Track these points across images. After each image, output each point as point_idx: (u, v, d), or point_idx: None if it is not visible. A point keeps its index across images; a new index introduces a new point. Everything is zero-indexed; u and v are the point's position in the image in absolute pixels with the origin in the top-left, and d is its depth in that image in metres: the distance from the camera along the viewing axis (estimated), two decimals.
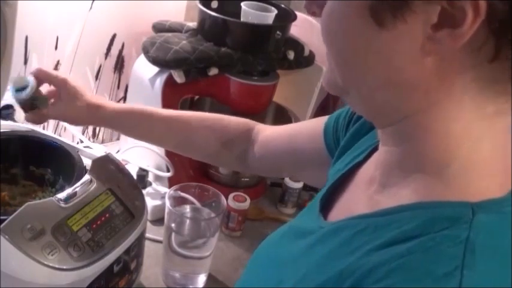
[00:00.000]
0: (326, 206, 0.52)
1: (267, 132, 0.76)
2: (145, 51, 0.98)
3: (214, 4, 1.07)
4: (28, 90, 0.73)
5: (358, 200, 0.48)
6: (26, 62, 1.02)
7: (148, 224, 0.86)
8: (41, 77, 0.75)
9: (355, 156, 0.53)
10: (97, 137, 1.24)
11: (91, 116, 0.77)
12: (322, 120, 0.66)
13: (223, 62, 0.98)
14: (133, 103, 1.10)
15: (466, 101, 0.37)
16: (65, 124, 1.02)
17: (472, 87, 0.37)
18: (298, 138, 0.70)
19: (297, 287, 0.43)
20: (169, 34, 1.02)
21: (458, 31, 0.33)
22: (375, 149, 0.50)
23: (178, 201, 0.89)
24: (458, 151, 0.38)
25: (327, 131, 0.64)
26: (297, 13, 1.05)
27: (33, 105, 0.76)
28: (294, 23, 1.04)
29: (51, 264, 0.62)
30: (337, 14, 0.39)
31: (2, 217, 0.63)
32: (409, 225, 0.37)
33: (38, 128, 0.86)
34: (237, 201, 1.01)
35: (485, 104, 0.37)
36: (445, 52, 0.36)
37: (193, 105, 1.16)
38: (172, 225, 0.86)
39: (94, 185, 0.72)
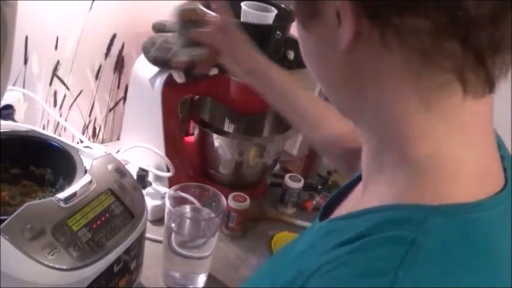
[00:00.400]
0: (329, 213, 0.52)
1: None
2: (146, 51, 0.98)
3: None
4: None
5: (349, 204, 0.49)
6: (26, 62, 1.02)
7: (148, 224, 0.86)
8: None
9: None
10: (97, 137, 1.24)
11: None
12: None
13: None
14: (133, 104, 1.10)
15: (405, 97, 0.37)
16: (65, 124, 1.02)
17: (402, 79, 0.36)
18: None
19: (268, 287, 0.44)
20: (170, 34, 1.02)
21: (341, 29, 0.36)
22: None
23: (178, 201, 0.89)
24: (415, 151, 0.37)
25: None
26: None
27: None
28: (294, 23, 1.04)
29: (51, 264, 0.62)
30: None
31: (2, 217, 0.63)
32: (363, 227, 0.36)
33: (38, 128, 0.86)
34: (237, 201, 1.01)
35: (430, 99, 0.36)
36: (352, 49, 0.36)
37: (193, 105, 1.16)
38: (172, 225, 0.86)
39: (94, 185, 0.72)
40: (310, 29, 0.40)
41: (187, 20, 0.79)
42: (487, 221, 0.36)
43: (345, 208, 0.50)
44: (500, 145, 0.42)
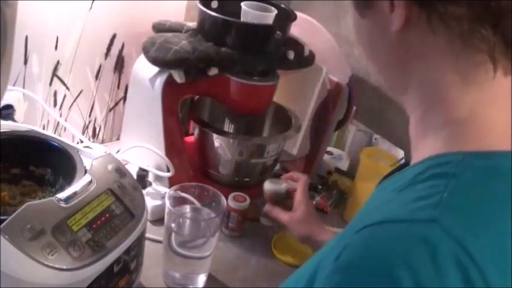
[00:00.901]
0: None
1: None
2: (145, 51, 0.98)
3: (214, 4, 1.07)
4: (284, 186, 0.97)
5: None
6: (26, 62, 1.02)
7: (148, 224, 0.86)
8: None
9: None
10: (97, 137, 1.24)
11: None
12: None
13: (223, 62, 0.98)
14: (133, 104, 1.10)
15: (447, 74, 0.44)
16: (65, 124, 1.02)
17: (444, 59, 0.44)
18: None
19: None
20: (169, 34, 1.02)
21: (393, 15, 0.43)
22: None
23: (178, 201, 0.89)
24: (455, 116, 0.44)
25: None
26: (297, 13, 1.05)
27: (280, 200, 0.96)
28: (294, 23, 1.04)
29: (51, 264, 0.62)
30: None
31: (2, 217, 0.63)
32: (412, 175, 0.44)
33: (38, 128, 0.86)
34: (237, 201, 1.01)
35: (467, 75, 0.43)
36: (402, 32, 0.44)
37: (193, 105, 1.16)
38: (172, 225, 0.86)
39: (94, 185, 0.72)
40: (365, 16, 0.48)
41: (271, 197, 0.96)
42: None
43: None
44: None
